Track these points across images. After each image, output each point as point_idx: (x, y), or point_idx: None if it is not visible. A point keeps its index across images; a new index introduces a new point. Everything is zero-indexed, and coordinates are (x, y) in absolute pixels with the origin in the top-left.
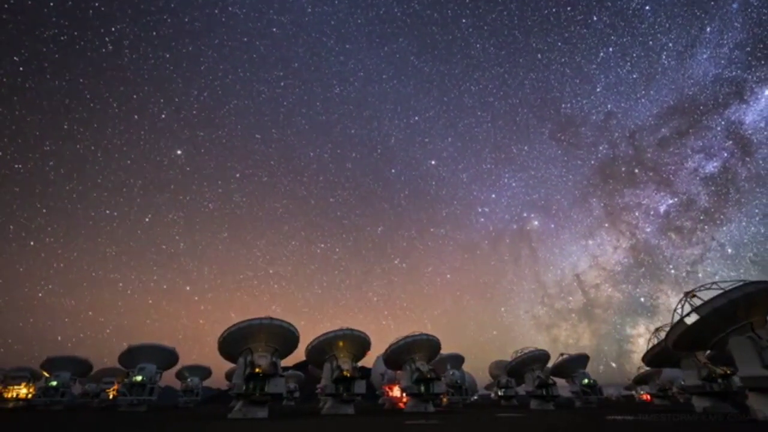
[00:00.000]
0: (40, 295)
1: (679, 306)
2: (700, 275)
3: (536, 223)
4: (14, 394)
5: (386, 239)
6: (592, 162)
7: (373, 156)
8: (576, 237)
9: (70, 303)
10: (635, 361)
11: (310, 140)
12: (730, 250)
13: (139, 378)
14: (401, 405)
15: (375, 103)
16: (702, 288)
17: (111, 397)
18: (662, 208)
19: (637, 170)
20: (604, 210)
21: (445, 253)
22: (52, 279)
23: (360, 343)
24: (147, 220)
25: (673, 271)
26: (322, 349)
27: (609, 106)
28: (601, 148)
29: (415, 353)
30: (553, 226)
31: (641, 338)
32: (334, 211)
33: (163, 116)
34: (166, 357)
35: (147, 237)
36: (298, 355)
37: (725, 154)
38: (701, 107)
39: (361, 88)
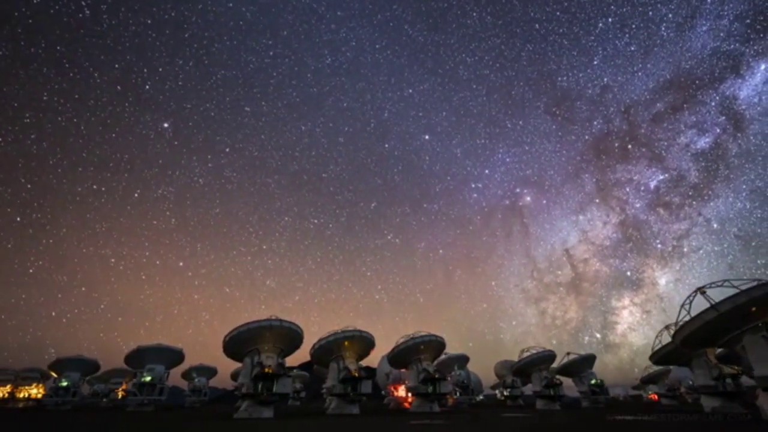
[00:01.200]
0: (30, 271)
1: (688, 301)
2: (685, 249)
3: (528, 198)
4: (26, 394)
5: (379, 215)
6: (587, 137)
7: (366, 130)
8: (567, 212)
9: (62, 279)
10: (619, 332)
11: (301, 113)
12: (715, 225)
13: (148, 378)
14: (406, 405)
15: (368, 75)
16: (713, 285)
17: (120, 396)
18: (652, 184)
19: (630, 146)
20: (595, 186)
21: (437, 229)
22: (41, 255)
23: (366, 344)
24: (136, 195)
25: (659, 246)
26: (329, 349)
27: (605, 79)
28: (595, 123)
29: (422, 353)
30: (545, 201)
31: (625, 310)
32: (326, 186)
33: (147, 87)
34: (172, 357)
35: (137, 213)
36: (304, 355)
37: (717, 130)
38: (697, 81)
39: (354, 58)
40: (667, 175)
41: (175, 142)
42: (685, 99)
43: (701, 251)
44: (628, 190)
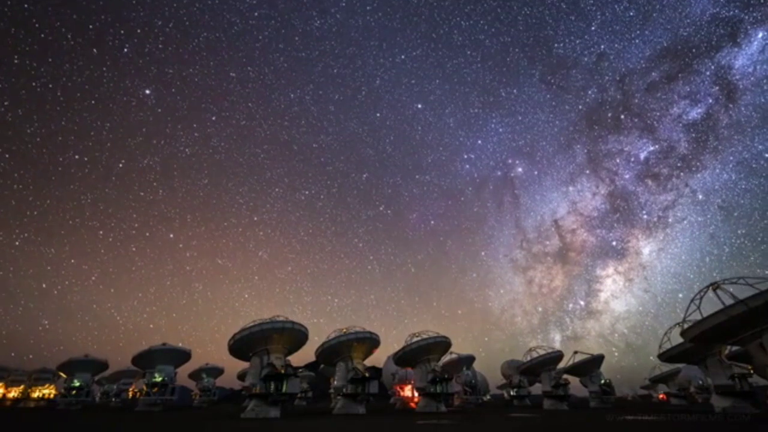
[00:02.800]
0: (17, 243)
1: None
2: (670, 220)
3: (520, 169)
4: (41, 394)
5: (371, 186)
6: (580, 107)
7: (357, 98)
8: (557, 184)
9: (50, 251)
10: (602, 299)
11: (289, 80)
12: (700, 197)
13: (159, 378)
14: (413, 405)
15: (358, 39)
16: (727, 281)
17: (130, 396)
18: (642, 155)
19: (623, 116)
20: (587, 156)
21: (429, 200)
22: (27, 227)
23: (372, 344)
24: (120, 165)
25: (645, 216)
26: (336, 350)
27: (602, 46)
28: (590, 92)
29: (429, 354)
30: (536, 173)
31: (609, 279)
32: (317, 157)
33: (126, 50)
34: (180, 357)
35: (122, 183)
36: (309, 355)
37: (710, 100)
38: (693, 50)
39: (344, 20)
40: (657, 146)
41: (159, 110)
42: (680, 68)
43: (685, 222)
44: (618, 161)
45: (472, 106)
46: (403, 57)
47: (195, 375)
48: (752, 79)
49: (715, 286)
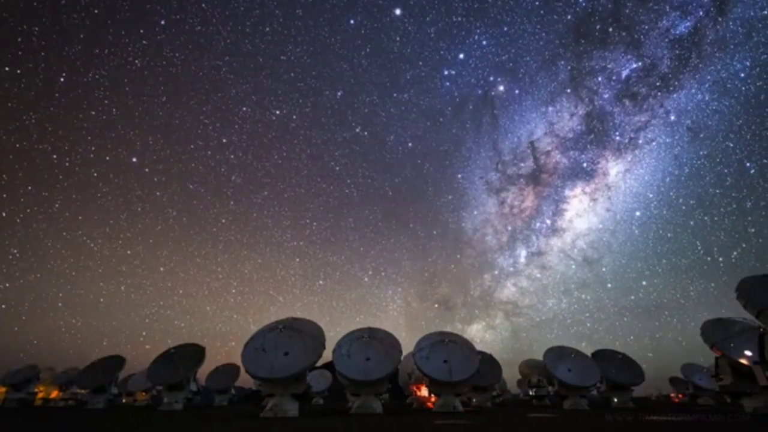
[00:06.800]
0: None
1: None
2: (640, 141)
3: (501, 88)
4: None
5: (346, 105)
6: (569, 17)
7: (329, 1)
8: (537, 103)
9: (2, 177)
10: (567, 218)
11: None
12: (672, 117)
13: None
14: (429, 404)
15: None
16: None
17: (153, 395)
18: (624, 73)
19: (611, 29)
20: (569, 74)
21: (407, 121)
22: None
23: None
24: (62, 80)
25: (618, 138)
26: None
27: None
28: (580, 0)
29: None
30: (517, 91)
31: (575, 199)
32: (287, 71)
33: None
34: (196, 356)
35: (68, 101)
36: (326, 354)
37: (700, 13)
38: None
39: None
40: (640, 63)
41: (95, 11)
42: None
43: (654, 143)
44: (600, 79)
45: (455, 13)
46: None
47: (214, 374)
48: None
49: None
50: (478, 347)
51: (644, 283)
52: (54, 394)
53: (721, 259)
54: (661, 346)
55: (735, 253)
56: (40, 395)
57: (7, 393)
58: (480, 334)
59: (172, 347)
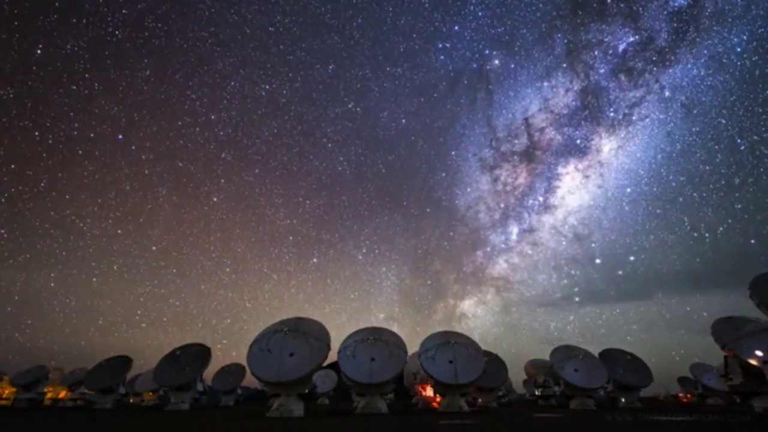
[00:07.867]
0: None
1: None
2: (634, 118)
3: (497, 62)
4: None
5: (338, 79)
6: None
7: None
8: (533, 78)
9: None
10: (559, 195)
11: None
12: (667, 93)
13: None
14: (435, 405)
15: None
16: None
17: (159, 396)
18: (621, 47)
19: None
20: (566, 48)
21: (401, 96)
22: None
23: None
24: (38, 52)
25: (612, 114)
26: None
27: None
28: None
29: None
30: (513, 66)
31: (568, 176)
32: (275, 43)
33: None
34: (203, 356)
35: (46, 74)
36: (332, 355)
37: None
38: None
39: None
40: (637, 36)
41: None
42: None
43: (647, 119)
44: (596, 53)
45: None
46: None
47: (220, 374)
48: None
49: None
50: (470, 322)
51: (632, 258)
52: (62, 394)
53: (707, 234)
54: (645, 318)
55: (721, 228)
56: (49, 395)
57: (17, 393)
58: (471, 309)
59: (177, 348)
